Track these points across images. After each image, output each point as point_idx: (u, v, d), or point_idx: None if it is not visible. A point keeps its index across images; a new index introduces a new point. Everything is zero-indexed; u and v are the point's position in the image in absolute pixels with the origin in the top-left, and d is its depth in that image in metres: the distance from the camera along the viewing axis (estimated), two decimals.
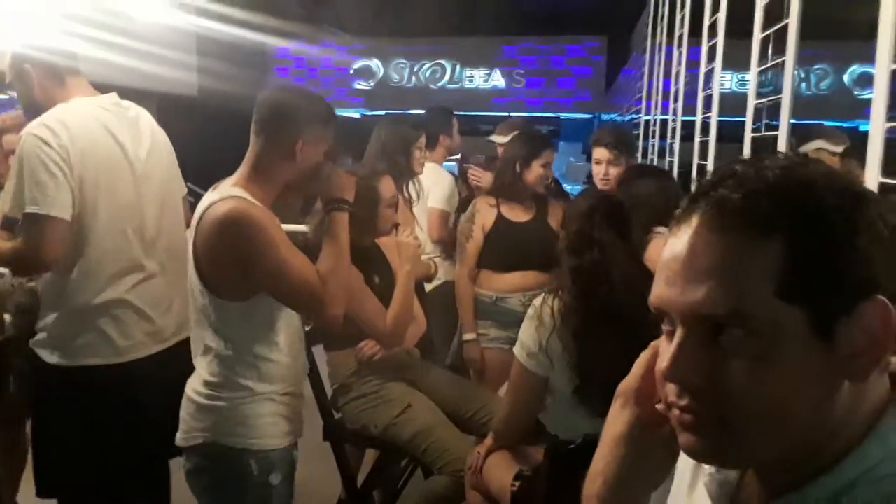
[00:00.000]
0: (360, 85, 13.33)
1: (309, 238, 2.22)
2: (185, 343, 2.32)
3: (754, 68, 2.46)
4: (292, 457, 1.91)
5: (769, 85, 2.40)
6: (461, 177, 4.19)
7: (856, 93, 12.03)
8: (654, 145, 5.13)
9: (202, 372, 1.82)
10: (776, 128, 2.21)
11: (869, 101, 1.60)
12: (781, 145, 2.13)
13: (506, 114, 9.64)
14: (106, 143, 2.12)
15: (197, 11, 7.29)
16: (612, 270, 1.89)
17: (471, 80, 13.26)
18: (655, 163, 4.92)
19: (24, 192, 1.97)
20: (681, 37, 4.17)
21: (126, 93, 2.30)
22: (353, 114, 12.77)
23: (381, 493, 2.87)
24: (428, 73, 13.35)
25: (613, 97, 11.46)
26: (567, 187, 5.62)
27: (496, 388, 2.70)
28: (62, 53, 2.18)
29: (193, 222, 1.78)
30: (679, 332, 0.64)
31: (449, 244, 3.46)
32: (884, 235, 0.61)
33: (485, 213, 3.10)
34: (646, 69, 6.09)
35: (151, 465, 2.30)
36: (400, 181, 2.87)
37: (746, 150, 2.45)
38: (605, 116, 12.74)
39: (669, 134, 4.48)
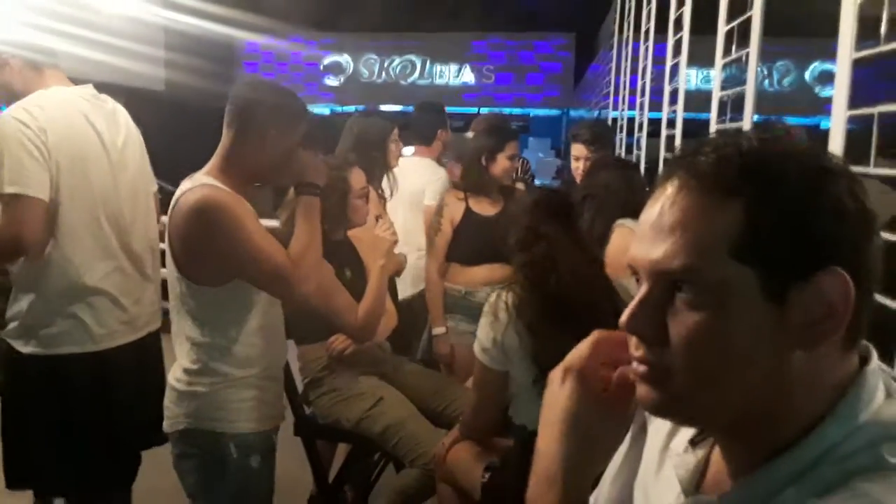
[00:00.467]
0: (330, 81, 13.27)
1: (280, 231, 2.21)
2: (156, 335, 2.31)
3: (719, 61, 2.51)
4: (272, 440, 1.93)
5: (733, 80, 2.44)
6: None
7: (817, 90, 12.28)
8: (621, 140, 5.18)
9: (183, 360, 1.84)
10: (740, 121, 2.26)
11: (829, 99, 1.64)
12: None
13: (475, 110, 9.65)
14: (83, 130, 2.14)
15: (164, 4, 7.19)
16: (560, 262, 1.91)
17: (441, 76, 13.28)
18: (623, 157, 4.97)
19: (2, 172, 1.98)
20: (647, 32, 4.21)
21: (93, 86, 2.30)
22: (324, 110, 12.71)
23: (353, 488, 2.87)
24: (398, 69, 13.32)
25: (582, 93, 11.54)
26: (537, 182, 5.66)
27: (466, 381, 2.71)
28: (36, 48, 2.18)
29: (169, 211, 1.79)
30: (643, 288, 0.67)
31: None
32: (849, 210, 0.62)
33: (453, 207, 3.09)
34: (613, 65, 6.15)
35: (125, 455, 2.31)
36: (373, 175, 2.86)
37: None
38: (573, 112, 12.84)
39: (637, 128, 4.54)
